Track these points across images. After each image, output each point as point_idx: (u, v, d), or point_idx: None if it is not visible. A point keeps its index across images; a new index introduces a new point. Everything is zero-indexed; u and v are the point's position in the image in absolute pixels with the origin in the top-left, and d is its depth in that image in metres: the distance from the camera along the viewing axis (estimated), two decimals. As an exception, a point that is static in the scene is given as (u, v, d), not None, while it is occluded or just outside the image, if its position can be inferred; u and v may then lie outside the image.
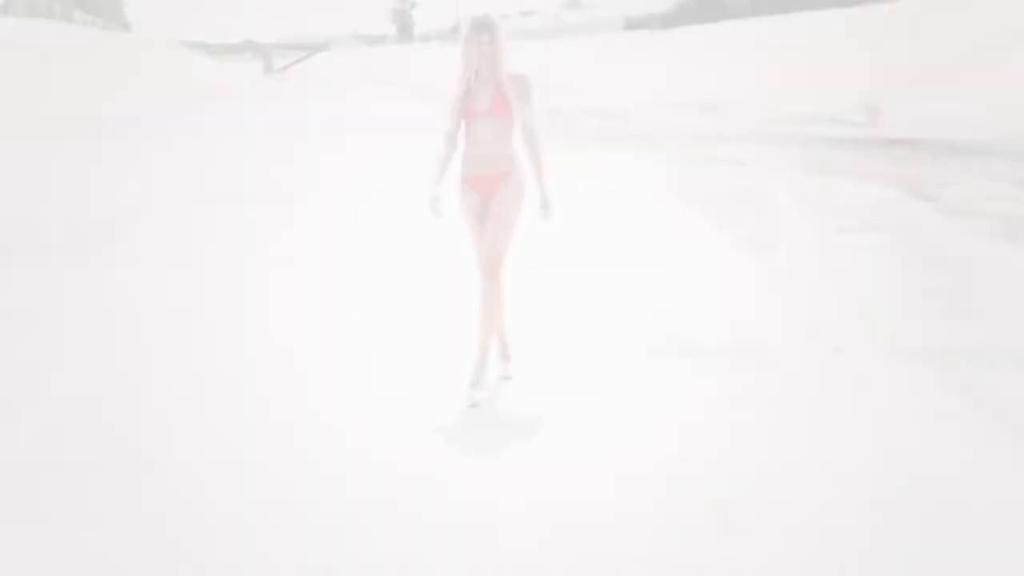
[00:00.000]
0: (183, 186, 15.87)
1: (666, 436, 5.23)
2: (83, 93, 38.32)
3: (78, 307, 8.22)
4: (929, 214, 11.81)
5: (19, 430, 5.46)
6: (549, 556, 4.00)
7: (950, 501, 4.36)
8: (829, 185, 14.42)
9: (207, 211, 13.19)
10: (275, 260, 9.94)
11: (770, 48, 51.87)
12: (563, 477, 4.73)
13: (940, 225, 11.03)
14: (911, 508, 4.31)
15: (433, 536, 4.17)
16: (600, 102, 41.12)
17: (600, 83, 62.38)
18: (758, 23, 61.63)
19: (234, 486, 4.68)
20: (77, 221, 12.15)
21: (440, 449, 5.14)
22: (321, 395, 5.98)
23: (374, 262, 9.61)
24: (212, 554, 4.03)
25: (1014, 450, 4.93)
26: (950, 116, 27.26)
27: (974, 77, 31.20)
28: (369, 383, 6.19)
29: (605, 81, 63.19)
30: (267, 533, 4.20)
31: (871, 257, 9.34)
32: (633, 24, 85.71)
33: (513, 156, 5.96)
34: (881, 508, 4.33)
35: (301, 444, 5.21)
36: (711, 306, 7.80)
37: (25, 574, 3.92)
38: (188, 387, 6.17)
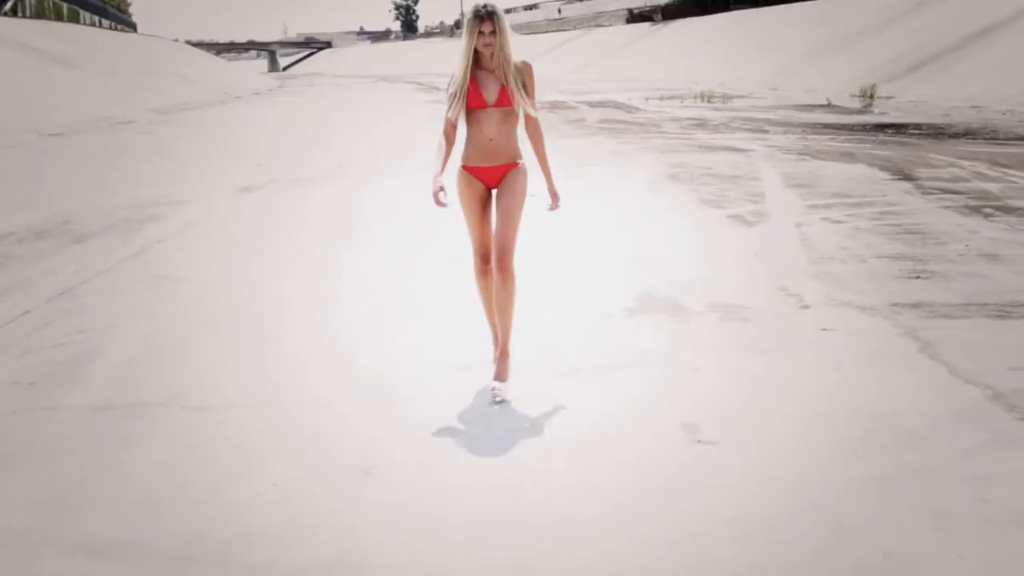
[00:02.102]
0: (208, 177, 16.75)
1: (654, 377, 6.09)
2: (94, 93, 39.10)
3: (127, 279, 9.10)
4: (908, 191, 12.67)
5: (92, 375, 6.33)
6: (548, 465, 4.87)
7: (893, 428, 5.20)
8: (818, 167, 15.27)
9: (233, 199, 14.07)
10: (292, 243, 10.81)
11: (769, 38, 52.62)
12: (564, 412, 5.59)
13: (917, 201, 11.88)
14: (858, 430, 5.15)
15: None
16: (601, 94, 41.78)
17: (602, 75, 63.09)
18: (757, 14, 62.37)
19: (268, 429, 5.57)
20: (112, 210, 13.00)
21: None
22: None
23: (380, 242, 10.47)
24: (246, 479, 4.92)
25: (950, 387, 5.77)
26: (941, 102, 28.06)
27: (966, 64, 31.90)
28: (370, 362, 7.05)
29: (607, 73, 63.89)
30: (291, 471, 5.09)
31: (847, 230, 10.18)
32: (635, 16, 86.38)
33: (518, 146, 5.93)
34: (832, 428, 5.19)
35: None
36: (699, 274, 8.64)
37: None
38: (227, 339, 7.06)
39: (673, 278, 8.46)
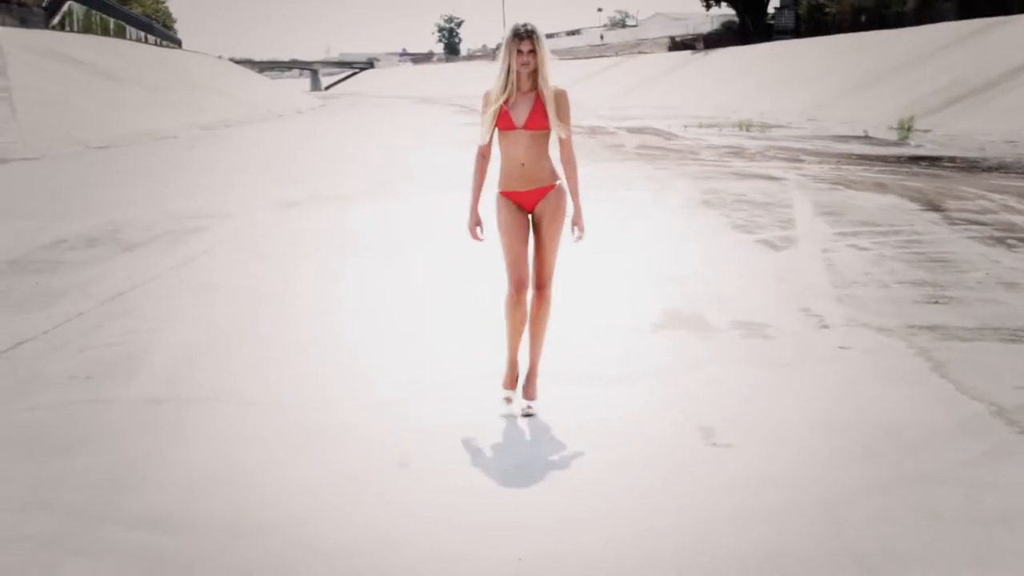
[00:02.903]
0: (250, 192, 17.22)
1: (675, 386, 6.42)
2: (138, 108, 39.80)
3: (175, 285, 9.53)
4: (936, 222, 12.91)
5: (144, 371, 6.73)
6: (577, 463, 5.22)
7: (897, 437, 5.49)
8: (849, 196, 15.54)
9: (276, 213, 14.51)
10: (333, 255, 11.21)
11: (810, 69, 52.79)
12: (588, 416, 5.93)
13: (944, 231, 12.13)
14: (863, 438, 5.45)
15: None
16: (640, 120, 42.14)
17: (642, 101, 63.44)
18: (799, 45, 62.58)
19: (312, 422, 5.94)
20: (159, 221, 13.46)
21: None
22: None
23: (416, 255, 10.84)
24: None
25: (955, 402, 6.06)
26: (977, 136, 28.20)
27: (1004, 99, 32.00)
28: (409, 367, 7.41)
29: (647, 99, 64.23)
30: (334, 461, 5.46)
31: (872, 256, 10.46)
32: (677, 44, 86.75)
33: (552, 168, 5.83)
34: (838, 435, 5.50)
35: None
36: (725, 293, 8.96)
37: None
38: (270, 342, 7.44)
39: (699, 297, 8.78)
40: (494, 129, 5.75)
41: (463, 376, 6.64)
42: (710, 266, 10.24)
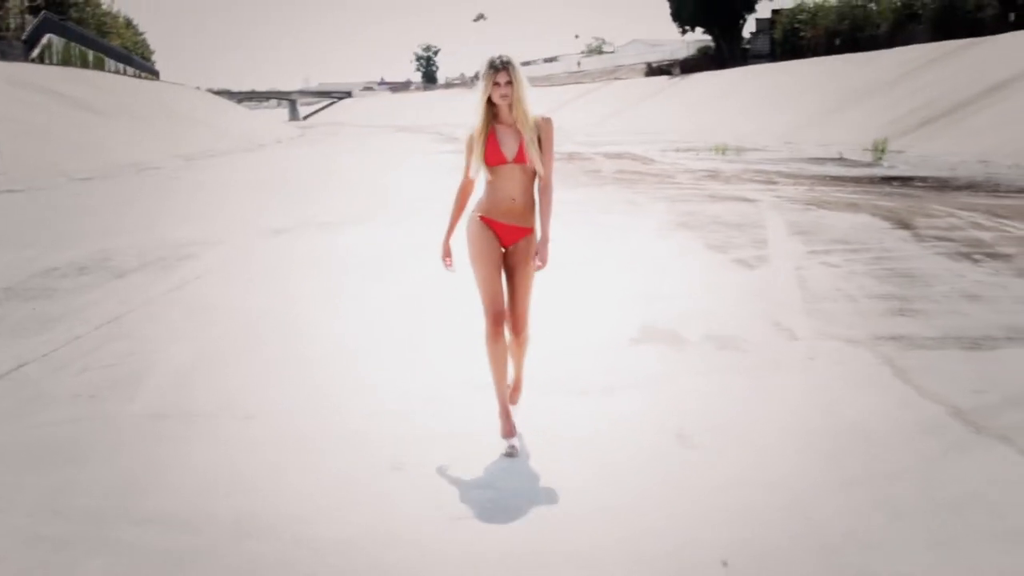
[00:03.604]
0: (237, 221, 17.52)
1: (652, 395, 6.75)
2: (120, 139, 40.07)
3: (169, 309, 9.82)
4: (905, 239, 13.32)
5: (146, 389, 7.03)
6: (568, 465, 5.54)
7: (862, 437, 5.84)
8: (822, 216, 15.95)
9: (265, 239, 14.82)
10: (322, 277, 11.53)
11: (785, 92, 53.47)
12: (570, 423, 6.26)
13: (913, 248, 12.53)
14: (830, 440, 5.81)
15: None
16: (618, 145, 42.60)
17: (619, 127, 63.99)
18: (774, 69, 63.29)
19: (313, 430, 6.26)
20: (149, 249, 13.74)
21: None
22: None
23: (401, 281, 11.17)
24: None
25: (917, 405, 6.42)
26: (949, 156, 28.72)
27: (976, 119, 32.55)
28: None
29: (624, 125, 64.79)
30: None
31: (843, 273, 10.83)
32: (654, 70, 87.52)
33: (534, 207, 5.76)
34: (807, 437, 5.85)
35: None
36: (700, 309, 9.30)
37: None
38: (267, 358, 7.75)
39: (674, 313, 9.12)
40: (480, 165, 5.62)
41: (453, 387, 6.96)
42: (686, 284, 10.59)
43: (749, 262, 11.75)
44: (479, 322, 5.74)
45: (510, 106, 5.57)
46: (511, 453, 5.66)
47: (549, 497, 5.11)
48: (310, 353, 8.03)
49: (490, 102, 5.60)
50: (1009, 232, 13.78)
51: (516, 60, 5.55)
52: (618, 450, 5.76)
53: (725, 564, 4.31)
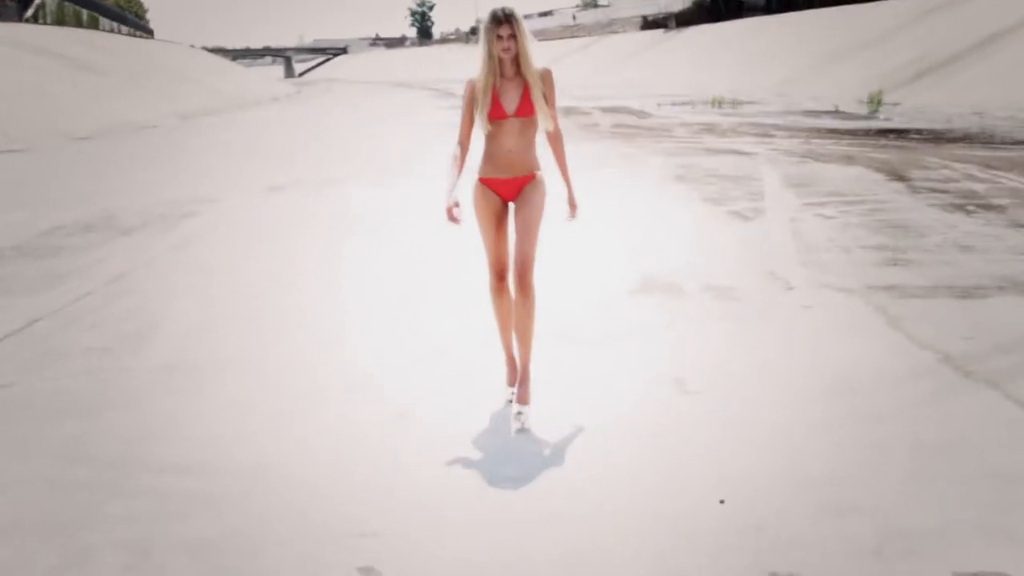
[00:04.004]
0: (236, 178, 17.68)
1: (651, 343, 6.95)
2: (117, 98, 40.07)
3: (174, 266, 10.01)
4: (900, 191, 13.46)
5: (156, 342, 7.22)
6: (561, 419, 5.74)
7: (851, 381, 6.04)
8: (818, 169, 16.08)
9: (263, 197, 14.98)
10: (323, 234, 11.70)
11: (781, 45, 53.32)
12: (571, 370, 6.46)
13: (907, 200, 12.68)
14: (820, 383, 6.01)
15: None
16: (614, 100, 42.61)
17: (615, 81, 63.87)
18: (770, 21, 63.02)
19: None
20: (151, 207, 13.91)
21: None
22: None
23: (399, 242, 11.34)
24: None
25: (907, 351, 6.61)
26: (945, 108, 28.78)
27: (972, 71, 32.57)
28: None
29: (620, 79, 64.67)
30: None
31: (837, 224, 10.99)
32: (649, 23, 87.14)
33: (536, 158, 5.67)
34: (797, 381, 6.05)
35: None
36: (697, 261, 9.49)
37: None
38: (269, 315, 7.94)
39: (673, 265, 9.31)
40: (484, 118, 5.51)
41: (456, 340, 7.17)
42: (683, 237, 10.76)
43: (745, 214, 11.91)
44: (481, 275, 5.91)
45: (513, 59, 5.49)
46: (520, 422, 5.53)
47: (549, 441, 5.30)
48: (312, 309, 8.24)
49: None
50: (1002, 184, 13.91)
51: (518, 12, 5.43)
52: (615, 392, 5.97)
53: (722, 502, 4.50)
